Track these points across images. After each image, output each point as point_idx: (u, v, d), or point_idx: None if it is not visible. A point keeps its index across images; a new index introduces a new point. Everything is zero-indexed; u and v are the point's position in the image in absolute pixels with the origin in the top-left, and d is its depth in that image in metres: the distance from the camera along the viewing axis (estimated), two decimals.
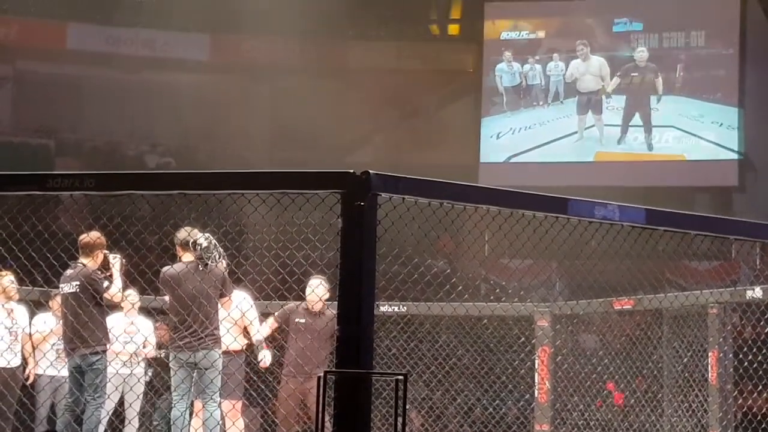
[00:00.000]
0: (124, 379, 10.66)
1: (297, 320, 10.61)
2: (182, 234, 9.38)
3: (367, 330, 5.15)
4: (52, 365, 10.98)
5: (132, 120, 21.73)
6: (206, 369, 9.15)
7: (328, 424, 5.17)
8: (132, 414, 10.50)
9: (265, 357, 10.45)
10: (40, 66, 22.44)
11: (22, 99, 22.42)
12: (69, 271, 9.40)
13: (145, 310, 11.40)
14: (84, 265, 9.43)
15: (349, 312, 5.15)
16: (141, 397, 10.92)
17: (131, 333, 10.98)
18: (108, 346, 9.51)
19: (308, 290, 10.53)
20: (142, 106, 21.44)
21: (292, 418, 10.57)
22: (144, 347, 11.32)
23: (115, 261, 9.54)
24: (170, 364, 9.51)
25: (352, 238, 5.14)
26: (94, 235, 9.48)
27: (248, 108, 21.91)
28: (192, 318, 9.09)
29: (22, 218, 7.18)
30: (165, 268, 9.43)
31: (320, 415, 5.04)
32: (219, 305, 9.49)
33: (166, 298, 9.60)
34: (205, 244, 9.24)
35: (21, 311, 11.22)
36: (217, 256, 9.32)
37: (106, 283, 9.40)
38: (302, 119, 21.27)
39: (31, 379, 11.31)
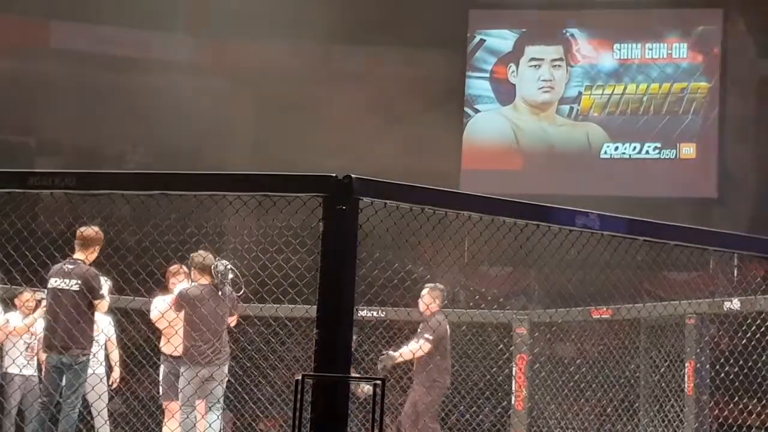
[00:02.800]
0: (101, 380, 10.61)
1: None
2: (200, 259, 9.90)
3: (345, 334, 5.15)
4: (29, 364, 10.92)
5: (113, 120, 21.64)
6: (218, 381, 9.75)
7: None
8: (103, 415, 10.48)
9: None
10: (21, 64, 22.34)
11: (3, 97, 22.32)
12: (66, 266, 9.25)
13: (120, 311, 11.32)
14: (83, 262, 9.31)
15: (327, 316, 5.14)
16: (104, 396, 10.80)
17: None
18: (92, 349, 9.46)
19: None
20: (124, 107, 21.36)
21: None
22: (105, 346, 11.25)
23: (106, 285, 9.54)
24: (183, 375, 9.81)
25: (333, 242, 5.14)
26: (94, 230, 9.36)
27: (231, 111, 21.88)
28: (207, 337, 9.65)
29: (1, 216, 7.14)
30: (183, 289, 9.98)
31: (297, 420, 5.02)
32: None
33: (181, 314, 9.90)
34: (222, 270, 9.78)
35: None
36: (230, 278, 9.83)
37: (102, 291, 9.33)
38: (285, 123, 21.26)
39: None
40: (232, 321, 10.21)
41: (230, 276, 9.84)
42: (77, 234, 9.35)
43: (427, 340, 10.95)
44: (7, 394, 11.01)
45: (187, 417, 9.67)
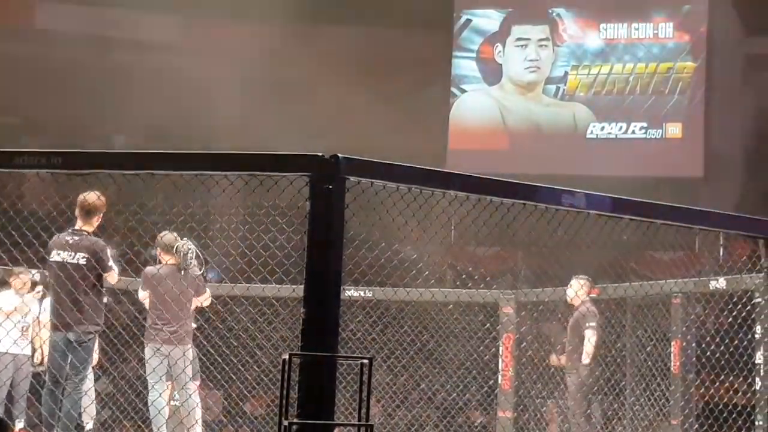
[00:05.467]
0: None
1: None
2: (166, 239, 9.95)
3: (332, 313, 5.15)
4: (16, 343, 10.90)
5: (100, 100, 21.54)
6: (177, 359, 9.71)
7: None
8: (90, 395, 10.42)
9: None
10: (6, 44, 22.23)
11: None
12: (70, 238, 8.89)
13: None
14: (88, 233, 8.94)
15: (315, 295, 5.15)
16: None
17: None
18: (102, 325, 9.31)
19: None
20: (110, 87, 21.28)
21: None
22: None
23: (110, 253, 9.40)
24: (146, 352, 9.90)
25: (320, 222, 5.14)
26: (94, 197, 8.90)
27: (217, 91, 21.81)
28: (172, 315, 9.70)
29: None
30: (147, 269, 10.02)
31: (284, 399, 5.02)
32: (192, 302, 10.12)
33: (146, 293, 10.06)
34: (184, 251, 9.88)
35: None
36: (196, 262, 9.92)
37: (111, 262, 9.02)
38: (271, 104, 21.20)
39: None
40: (206, 300, 10.30)
41: (191, 256, 9.90)
42: (79, 202, 8.91)
43: (594, 327, 11.48)
44: (4, 375, 10.98)
45: (160, 395, 9.75)
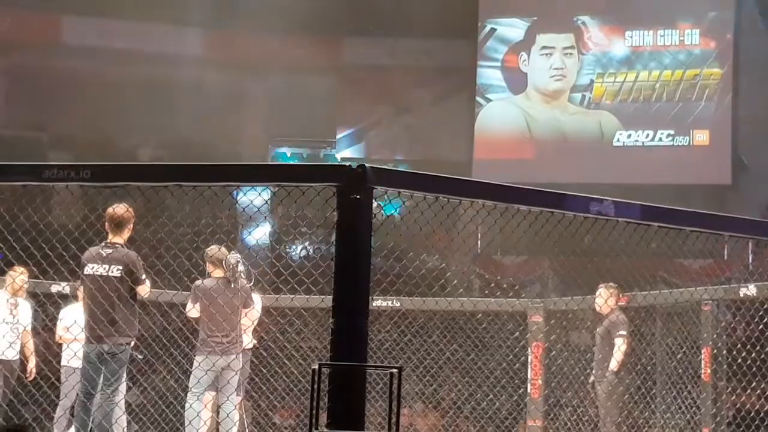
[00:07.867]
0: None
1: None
2: (213, 252, 10.20)
3: (361, 323, 5.16)
4: (76, 355, 10.89)
5: (125, 114, 21.65)
6: (238, 369, 9.98)
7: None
8: (121, 405, 10.43)
9: None
10: (33, 59, 22.38)
11: (16, 92, 22.37)
12: (103, 251, 8.88)
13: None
14: (120, 246, 8.93)
15: (343, 305, 5.15)
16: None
17: None
18: (134, 337, 9.28)
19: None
20: (136, 100, 21.38)
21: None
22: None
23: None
24: (201, 365, 9.99)
25: (347, 232, 5.14)
26: (123, 209, 8.89)
27: (242, 103, 21.90)
28: (228, 325, 9.92)
29: (18, 209, 7.15)
30: (197, 282, 10.12)
31: (314, 409, 5.02)
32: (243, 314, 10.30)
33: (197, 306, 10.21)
34: (234, 263, 10.10)
35: (25, 307, 11.23)
36: (244, 274, 10.17)
37: (143, 274, 8.98)
38: (296, 114, 21.26)
39: (32, 376, 11.32)
40: (248, 312, 10.35)
41: (240, 268, 10.07)
42: (108, 215, 8.90)
43: (623, 336, 11.36)
44: (67, 388, 10.95)
45: (191, 406, 9.79)
